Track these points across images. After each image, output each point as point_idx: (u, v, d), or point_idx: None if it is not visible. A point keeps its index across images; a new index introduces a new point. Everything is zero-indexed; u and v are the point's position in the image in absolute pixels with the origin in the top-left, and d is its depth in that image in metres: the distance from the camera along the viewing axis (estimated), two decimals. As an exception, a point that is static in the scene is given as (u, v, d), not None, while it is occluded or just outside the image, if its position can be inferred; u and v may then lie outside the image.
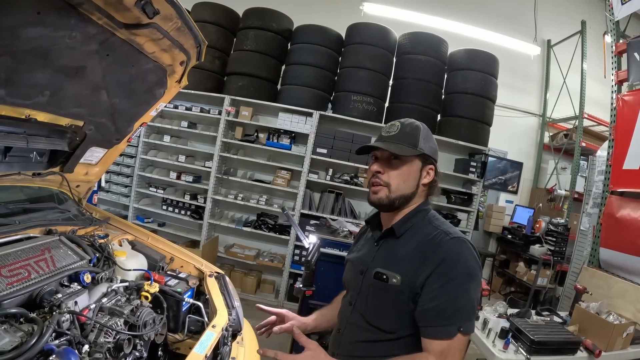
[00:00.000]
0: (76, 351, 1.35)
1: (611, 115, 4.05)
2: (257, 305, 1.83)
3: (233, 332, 2.04)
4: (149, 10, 1.58)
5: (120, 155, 6.01)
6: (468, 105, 5.76)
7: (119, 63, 2.00)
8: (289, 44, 6.10)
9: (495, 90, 5.94)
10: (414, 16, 6.86)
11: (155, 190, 6.15)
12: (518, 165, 8.24)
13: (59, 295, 1.59)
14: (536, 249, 6.35)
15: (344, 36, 6.01)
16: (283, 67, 6.05)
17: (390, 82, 6.00)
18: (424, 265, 1.30)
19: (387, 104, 5.98)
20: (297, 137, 5.76)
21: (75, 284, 1.76)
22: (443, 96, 6.02)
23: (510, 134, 8.04)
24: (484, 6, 7.87)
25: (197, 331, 2.16)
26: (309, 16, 6.16)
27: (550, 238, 6.58)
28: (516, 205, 7.93)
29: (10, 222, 1.98)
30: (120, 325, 1.65)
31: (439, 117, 5.97)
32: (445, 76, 6.03)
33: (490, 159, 6.37)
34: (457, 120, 5.77)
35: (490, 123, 5.90)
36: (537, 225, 6.70)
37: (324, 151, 5.52)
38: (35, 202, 2.44)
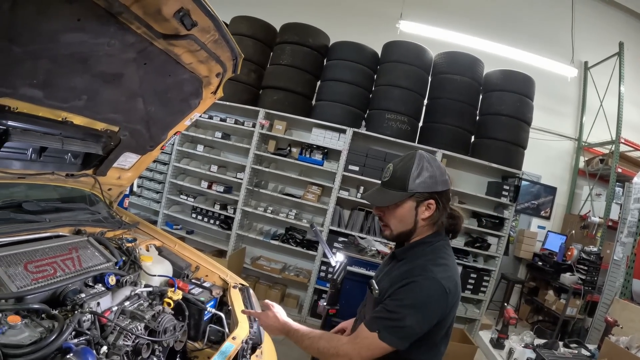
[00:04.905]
0: (94, 352, 1.42)
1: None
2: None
3: (253, 345, 2.08)
4: (187, 21, 1.68)
5: (154, 161, 6.33)
6: (503, 127, 5.81)
7: (156, 72, 2.11)
8: (324, 60, 6.34)
9: (531, 113, 6.00)
10: (449, 35, 6.97)
11: (186, 198, 6.46)
12: (551, 190, 8.25)
13: (82, 295, 1.67)
14: (567, 278, 6.33)
15: (379, 54, 6.20)
16: (318, 83, 6.29)
17: (425, 101, 6.16)
18: (393, 286, 1.52)
19: (421, 124, 6.13)
20: (329, 153, 5.97)
21: (100, 285, 1.84)
22: (477, 117, 6.11)
23: (545, 157, 8.03)
24: (520, 26, 7.96)
25: (217, 341, 2.24)
26: (345, 33, 6.39)
27: (581, 267, 6.57)
28: (548, 231, 7.93)
29: (41, 219, 2.11)
30: (141, 329, 1.72)
31: (472, 139, 6.07)
32: (481, 97, 6.12)
33: (523, 182, 6.40)
34: (491, 142, 5.83)
35: (525, 146, 5.96)
36: (569, 253, 6.71)
37: (356, 168, 5.71)
38: (67, 202, 2.54)
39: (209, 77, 2.42)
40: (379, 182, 1.74)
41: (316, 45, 6.19)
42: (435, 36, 7.02)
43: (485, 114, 6.05)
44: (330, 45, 6.35)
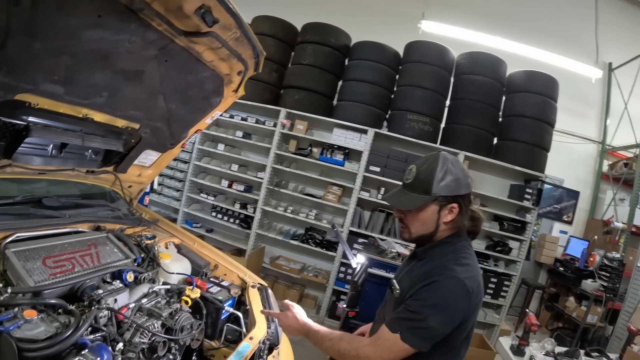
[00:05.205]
0: (110, 348, 1.42)
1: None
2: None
3: (270, 345, 2.07)
4: (208, 18, 1.65)
5: (175, 160, 6.45)
6: (526, 129, 5.74)
7: (177, 69, 2.10)
8: (346, 60, 6.34)
9: (555, 114, 5.93)
10: (472, 35, 6.94)
11: (206, 196, 6.51)
12: (574, 194, 8.15)
13: (100, 291, 1.67)
14: (588, 284, 6.23)
15: (401, 54, 6.19)
16: (340, 83, 6.30)
17: (447, 102, 6.12)
18: (415, 287, 1.50)
19: (443, 125, 6.10)
20: (350, 154, 5.95)
21: (118, 281, 1.84)
22: (500, 119, 6.05)
23: (568, 160, 7.92)
24: (543, 26, 7.84)
25: (234, 341, 2.24)
26: (367, 33, 6.37)
27: (603, 273, 6.47)
28: (570, 236, 7.83)
29: (61, 215, 2.12)
30: (157, 327, 1.72)
31: (495, 140, 6.01)
32: (503, 98, 6.06)
33: (546, 186, 6.30)
34: (513, 144, 5.77)
35: (548, 148, 5.88)
36: (591, 259, 6.62)
37: (377, 169, 5.69)
38: (88, 198, 2.57)
39: (230, 75, 2.41)
40: (400, 183, 1.72)
41: (337, 45, 6.19)
42: (458, 36, 6.99)
43: (508, 115, 5.99)
44: (351, 45, 6.35)
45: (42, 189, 2.33)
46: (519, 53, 7.02)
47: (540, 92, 5.85)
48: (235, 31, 1.90)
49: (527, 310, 4.29)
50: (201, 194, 6.57)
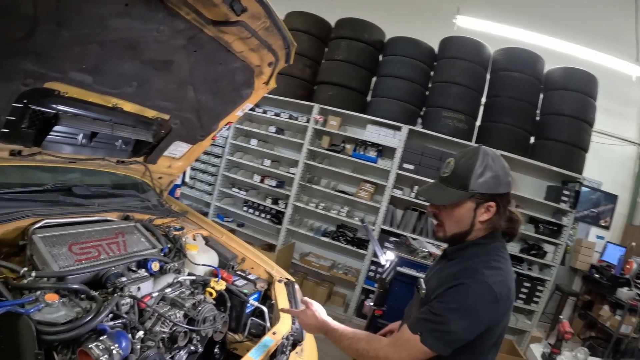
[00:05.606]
0: (129, 335, 1.41)
1: None
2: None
3: (294, 341, 2.04)
4: (236, 7, 1.64)
5: (207, 154, 6.55)
6: (564, 128, 5.59)
7: (207, 60, 2.10)
8: (380, 56, 6.29)
9: (594, 113, 5.77)
10: (508, 31, 6.74)
11: (238, 191, 6.59)
12: (612, 198, 7.85)
13: (124, 279, 1.69)
14: (624, 293, 6.05)
15: (436, 50, 6.12)
16: (373, 79, 6.26)
17: (483, 99, 6.04)
18: (441, 288, 1.45)
19: (478, 123, 6.01)
20: (384, 151, 5.91)
21: (143, 270, 1.85)
22: (538, 117, 5.92)
23: (606, 163, 7.63)
24: (581, 22, 7.59)
25: (258, 335, 2.21)
26: (401, 28, 6.31)
27: None
28: (607, 242, 7.57)
29: (90, 203, 2.15)
30: (179, 317, 1.72)
31: (532, 140, 5.89)
32: (541, 95, 5.94)
33: (583, 189, 6.13)
34: (551, 143, 5.62)
35: (586, 149, 5.73)
36: (628, 267, 6.39)
37: (411, 167, 5.63)
38: (119, 188, 2.60)
39: (261, 66, 2.39)
40: (434, 180, 1.66)
41: (371, 41, 6.15)
42: (494, 31, 6.81)
43: (546, 113, 5.84)
44: (385, 41, 6.31)
45: (75, 179, 2.37)
46: (557, 49, 6.78)
47: (579, 89, 5.69)
48: (264, 20, 1.88)
49: (560, 317, 4.20)
50: (233, 189, 6.65)
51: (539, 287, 5.65)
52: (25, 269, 1.47)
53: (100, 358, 1.25)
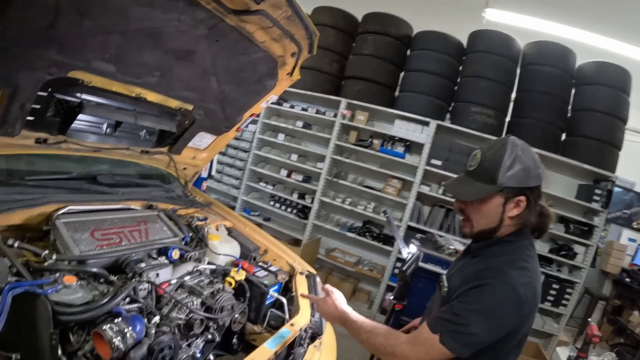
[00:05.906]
0: (145, 320, 1.43)
1: None
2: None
3: (312, 334, 2.03)
4: None
5: (235, 148, 6.62)
6: (597, 124, 5.40)
7: (229, 50, 2.09)
8: (408, 50, 6.23)
9: (627, 110, 5.55)
10: (539, 24, 6.54)
11: (265, 185, 6.64)
12: None
13: (143, 265, 1.70)
14: None
15: (464, 44, 6.03)
16: (401, 74, 6.20)
17: (513, 94, 5.90)
18: (464, 286, 1.38)
19: (508, 118, 5.88)
20: (411, 146, 5.84)
21: (163, 257, 1.87)
22: (569, 113, 5.74)
23: (639, 162, 7.35)
24: (615, 15, 7.32)
25: (277, 327, 2.17)
26: (428, 22, 6.22)
27: None
28: (639, 245, 7.31)
29: (114, 192, 2.17)
30: (197, 304, 1.72)
31: (563, 136, 5.72)
32: (573, 91, 5.75)
33: (615, 189, 5.87)
34: (583, 140, 5.44)
35: (620, 147, 5.52)
36: None
37: (439, 163, 5.55)
38: (144, 178, 2.62)
39: (284, 57, 2.38)
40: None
41: (399, 35, 6.10)
42: (524, 25, 6.61)
43: (578, 109, 5.65)
44: (413, 35, 6.25)
45: (102, 169, 2.40)
46: (589, 43, 6.54)
47: (612, 84, 5.49)
48: (285, 9, 1.86)
49: (588, 320, 4.06)
50: (260, 183, 6.70)
51: (568, 290, 5.43)
52: (47, 251, 1.49)
53: (113, 340, 1.27)
